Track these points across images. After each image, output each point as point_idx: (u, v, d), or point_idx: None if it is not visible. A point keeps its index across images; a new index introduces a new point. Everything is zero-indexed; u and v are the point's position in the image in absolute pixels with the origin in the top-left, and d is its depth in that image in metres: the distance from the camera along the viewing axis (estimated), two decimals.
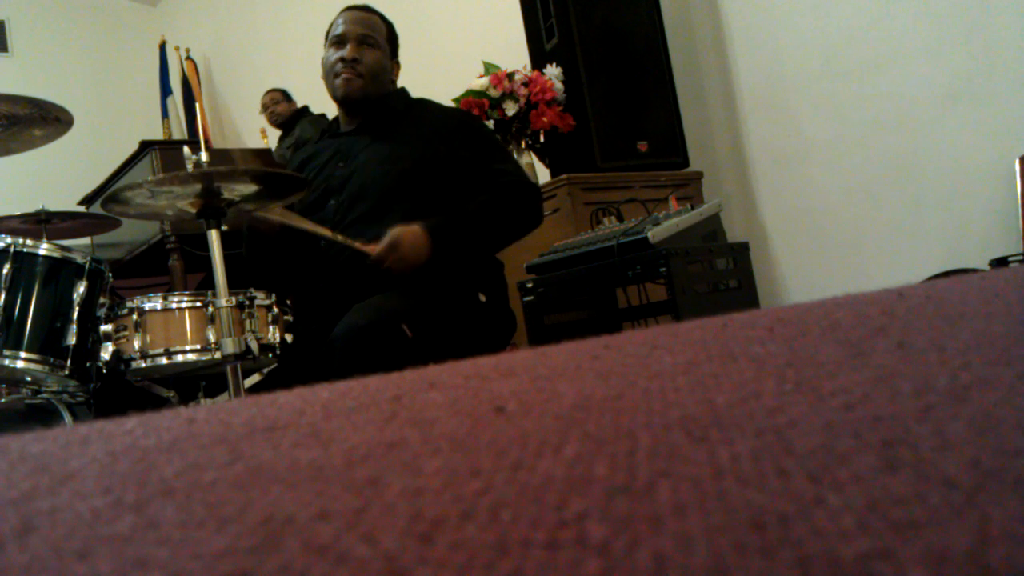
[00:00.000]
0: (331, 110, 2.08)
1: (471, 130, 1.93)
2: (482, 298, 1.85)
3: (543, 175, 3.05)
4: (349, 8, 1.97)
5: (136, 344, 1.91)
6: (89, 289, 2.19)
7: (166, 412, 0.57)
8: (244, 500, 0.31)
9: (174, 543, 0.26)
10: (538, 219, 1.91)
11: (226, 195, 1.67)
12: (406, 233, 1.68)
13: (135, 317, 1.92)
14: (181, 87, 6.03)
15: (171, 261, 3.43)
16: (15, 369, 2.10)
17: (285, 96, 4.77)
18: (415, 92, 2.06)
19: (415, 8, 4.29)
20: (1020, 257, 2.15)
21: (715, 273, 2.07)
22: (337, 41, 1.91)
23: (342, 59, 1.88)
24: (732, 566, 0.20)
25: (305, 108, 4.66)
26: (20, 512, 0.32)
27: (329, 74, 1.92)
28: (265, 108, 4.77)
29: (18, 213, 2.67)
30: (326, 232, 1.76)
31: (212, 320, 1.93)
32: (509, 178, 1.85)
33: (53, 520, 0.31)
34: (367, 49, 1.90)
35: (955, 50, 2.41)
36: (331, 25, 1.95)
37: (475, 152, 1.87)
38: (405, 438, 0.38)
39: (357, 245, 1.72)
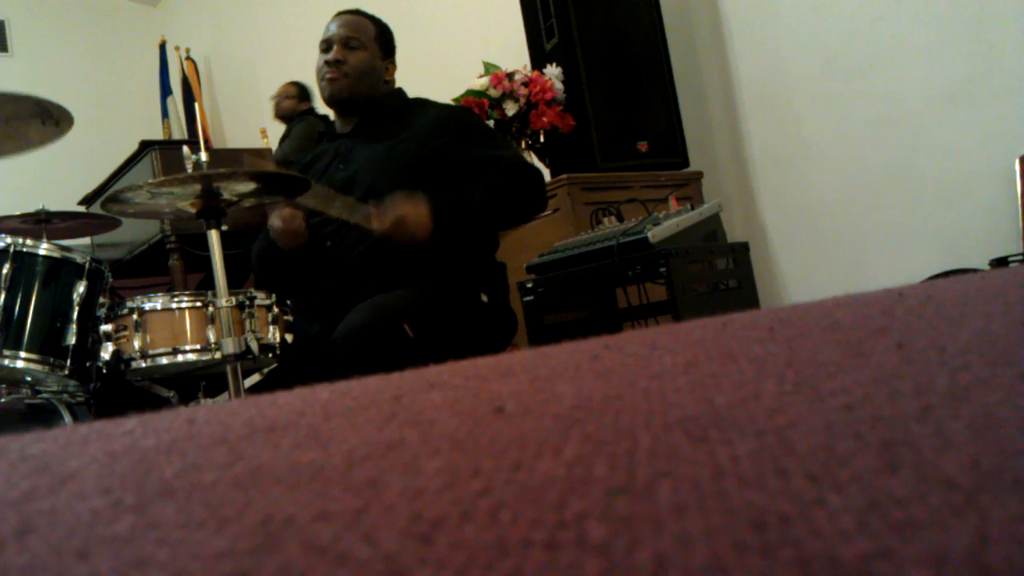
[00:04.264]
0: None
1: (466, 126, 1.93)
2: (484, 299, 1.85)
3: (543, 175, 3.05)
4: (339, 13, 2.00)
5: (136, 344, 1.91)
6: (89, 289, 2.18)
7: (166, 412, 0.57)
8: (244, 501, 0.31)
9: (174, 543, 0.26)
10: (542, 201, 1.94)
11: (226, 195, 1.67)
12: (411, 211, 1.68)
13: (135, 317, 1.92)
14: (181, 87, 6.03)
15: (171, 261, 3.43)
16: (15, 369, 2.10)
17: (299, 93, 4.64)
18: (415, 92, 2.06)
19: (415, 8, 4.29)
20: (1020, 257, 2.15)
21: (715, 273, 2.07)
22: (324, 46, 1.97)
23: (327, 62, 1.94)
24: (732, 566, 0.20)
25: (310, 110, 4.60)
26: (20, 512, 0.32)
27: (317, 77, 1.98)
28: (275, 97, 4.70)
29: (18, 213, 2.66)
30: (336, 213, 1.78)
31: (212, 320, 1.93)
32: (508, 162, 1.85)
33: (53, 520, 0.31)
34: (351, 51, 1.94)
35: (955, 50, 2.41)
36: (324, 32, 1.98)
37: (472, 145, 1.87)
38: (405, 438, 0.38)
39: (361, 219, 1.74)
